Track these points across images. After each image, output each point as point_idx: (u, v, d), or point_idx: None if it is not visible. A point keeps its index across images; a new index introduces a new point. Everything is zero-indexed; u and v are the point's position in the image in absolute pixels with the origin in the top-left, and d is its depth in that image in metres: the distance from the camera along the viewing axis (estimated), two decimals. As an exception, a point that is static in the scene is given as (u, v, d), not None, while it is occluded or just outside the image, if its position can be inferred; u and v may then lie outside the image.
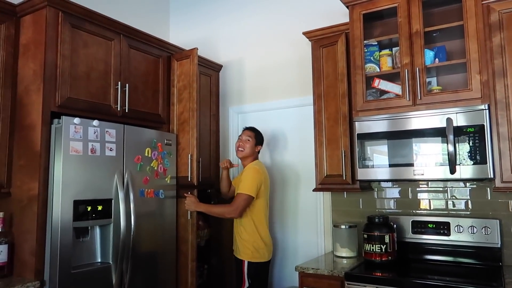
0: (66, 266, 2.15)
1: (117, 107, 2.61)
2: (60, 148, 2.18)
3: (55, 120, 2.25)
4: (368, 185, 2.78)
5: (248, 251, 2.66)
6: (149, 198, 2.67)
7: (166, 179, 2.83)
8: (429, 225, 2.55)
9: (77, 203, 2.22)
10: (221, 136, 3.60)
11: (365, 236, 2.48)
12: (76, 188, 2.23)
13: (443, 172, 2.25)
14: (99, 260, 2.39)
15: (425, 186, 2.68)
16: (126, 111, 2.65)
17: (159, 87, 2.98)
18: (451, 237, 2.47)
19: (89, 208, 2.28)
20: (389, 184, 2.78)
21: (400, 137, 2.40)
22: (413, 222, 2.60)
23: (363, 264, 2.46)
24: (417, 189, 2.70)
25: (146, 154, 2.68)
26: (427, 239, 2.54)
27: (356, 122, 2.54)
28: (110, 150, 2.43)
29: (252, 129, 2.91)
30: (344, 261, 2.62)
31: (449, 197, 2.59)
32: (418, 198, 2.69)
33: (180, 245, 2.88)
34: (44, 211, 2.18)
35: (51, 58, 2.27)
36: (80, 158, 2.26)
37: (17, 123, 2.34)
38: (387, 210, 2.77)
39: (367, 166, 2.48)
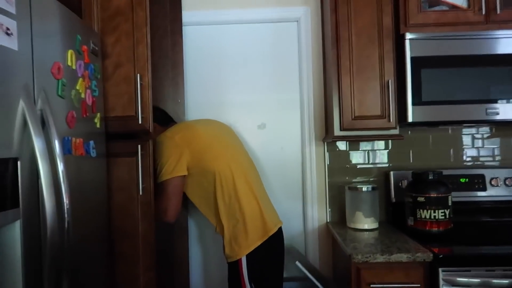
0: None
1: None
2: None
3: None
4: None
5: (227, 244, 1.71)
6: (78, 156, 1.27)
7: (95, 120, 1.44)
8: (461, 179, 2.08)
9: None
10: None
11: (421, 199, 1.79)
12: None
13: (524, 111, 1.76)
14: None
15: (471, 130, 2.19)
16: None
17: None
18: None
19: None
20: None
21: (469, 64, 1.78)
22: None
23: (413, 239, 1.78)
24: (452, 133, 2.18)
25: (68, 63, 1.24)
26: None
27: (407, 40, 1.79)
28: (8, 33, 0.94)
29: None
30: (365, 234, 1.90)
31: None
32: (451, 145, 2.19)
33: (117, 242, 1.56)
34: None
35: None
36: None
37: None
38: (403, 164, 2.17)
39: (424, 103, 1.78)
